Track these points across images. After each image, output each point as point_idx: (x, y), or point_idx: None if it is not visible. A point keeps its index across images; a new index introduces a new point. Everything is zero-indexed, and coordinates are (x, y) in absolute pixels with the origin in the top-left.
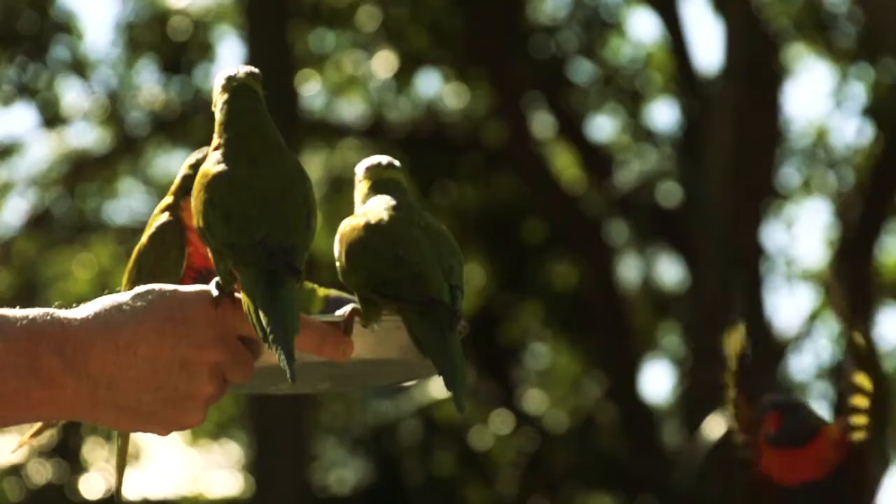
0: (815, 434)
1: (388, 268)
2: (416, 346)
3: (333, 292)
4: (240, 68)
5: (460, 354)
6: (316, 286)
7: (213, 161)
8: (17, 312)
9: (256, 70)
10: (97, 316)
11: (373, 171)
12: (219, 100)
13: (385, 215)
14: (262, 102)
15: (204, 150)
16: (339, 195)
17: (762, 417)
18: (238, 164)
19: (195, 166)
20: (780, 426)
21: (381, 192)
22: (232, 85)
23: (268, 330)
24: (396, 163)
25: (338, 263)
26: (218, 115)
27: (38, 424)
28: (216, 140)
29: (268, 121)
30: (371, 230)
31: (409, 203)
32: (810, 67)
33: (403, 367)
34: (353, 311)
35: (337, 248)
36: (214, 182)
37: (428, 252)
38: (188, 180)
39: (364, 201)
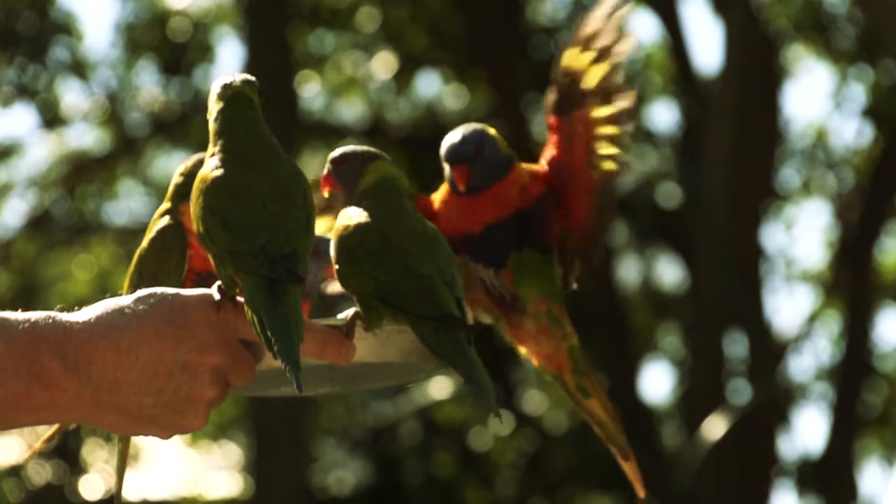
0: (501, 175)
1: (397, 280)
2: (434, 357)
3: None
4: (235, 76)
5: (482, 365)
6: None
7: (211, 167)
8: (18, 315)
9: (252, 78)
10: (99, 319)
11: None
12: (214, 108)
13: (385, 220)
14: (257, 110)
15: (196, 156)
16: None
17: (449, 174)
18: (236, 170)
19: (187, 174)
20: (467, 180)
21: (378, 191)
22: (227, 94)
23: (272, 340)
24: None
25: (336, 266)
26: (213, 124)
27: (51, 431)
28: (212, 148)
29: (263, 127)
30: (374, 237)
31: (403, 205)
32: (810, 68)
33: (404, 369)
34: (356, 314)
35: (334, 251)
36: (213, 188)
37: (433, 263)
38: (183, 187)
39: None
